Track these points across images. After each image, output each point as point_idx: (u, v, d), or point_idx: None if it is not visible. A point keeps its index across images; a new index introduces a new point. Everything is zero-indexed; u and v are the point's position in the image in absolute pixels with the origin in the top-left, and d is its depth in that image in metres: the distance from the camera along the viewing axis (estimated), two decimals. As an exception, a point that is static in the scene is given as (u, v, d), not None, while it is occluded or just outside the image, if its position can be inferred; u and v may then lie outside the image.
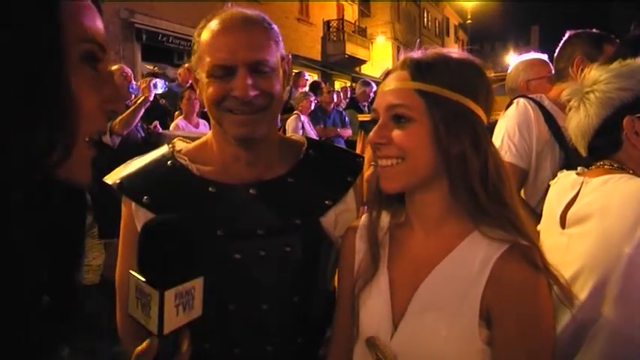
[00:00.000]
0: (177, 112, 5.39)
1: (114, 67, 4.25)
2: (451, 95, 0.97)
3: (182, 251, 0.81)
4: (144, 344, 0.79)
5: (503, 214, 0.98)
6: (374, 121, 1.04)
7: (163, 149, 1.22)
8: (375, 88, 7.89)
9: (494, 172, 0.99)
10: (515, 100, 2.20)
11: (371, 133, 1.02)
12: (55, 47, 0.56)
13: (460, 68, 1.00)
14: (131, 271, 0.80)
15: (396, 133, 0.98)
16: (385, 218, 1.13)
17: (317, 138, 5.83)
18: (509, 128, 2.13)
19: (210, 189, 1.14)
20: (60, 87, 0.57)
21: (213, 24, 1.11)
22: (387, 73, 1.06)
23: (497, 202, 0.98)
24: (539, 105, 2.14)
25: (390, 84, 1.02)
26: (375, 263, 1.07)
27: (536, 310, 0.95)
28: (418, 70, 0.99)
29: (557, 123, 2.09)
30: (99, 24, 0.64)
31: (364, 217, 1.15)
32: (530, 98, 2.18)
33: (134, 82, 4.14)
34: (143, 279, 0.78)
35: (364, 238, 1.12)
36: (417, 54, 1.03)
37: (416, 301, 1.00)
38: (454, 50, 1.07)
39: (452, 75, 0.98)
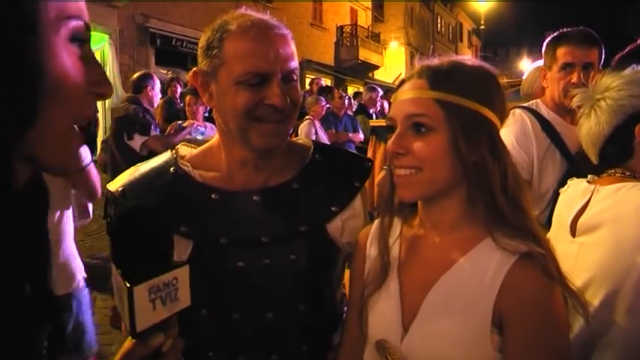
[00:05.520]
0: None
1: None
2: (470, 104, 0.97)
3: (155, 242, 0.76)
4: (127, 345, 0.75)
5: (521, 220, 0.97)
6: (390, 129, 1.03)
7: (166, 155, 1.20)
8: (381, 93, 7.87)
9: (512, 179, 0.99)
10: (512, 111, 2.17)
11: (389, 142, 1.01)
12: (31, 22, 0.53)
13: (476, 76, 1.00)
14: (113, 263, 0.77)
15: (416, 144, 0.98)
16: (397, 223, 1.12)
17: (329, 143, 5.83)
18: (506, 140, 2.10)
19: (212, 196, 1.11)
20: (32, 63, 0.53)
21: (240, 29, 1.05)
22: (403, 81, 1.05)
23: (515, 208, 0.97)
24: (536, 113, 2.12)
25: (408, 93, 1.00)
26: (384, 270, 1.06)
27: (551, 321, 0.93)
28: (437, 79, 0.98)
29: (555, 130, 2.07)
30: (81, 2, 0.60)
31: (375, 223, 1.14)
32: (526, 107, 2.16)
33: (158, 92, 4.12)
34: (120, 271, 0.74)
35: (375, 244, 1.11)
36: (433, 62, 1.02)
37: (427, 304, 0.99)
38: (467, 57, 1.07)
39: (469, 83, 0.98)
